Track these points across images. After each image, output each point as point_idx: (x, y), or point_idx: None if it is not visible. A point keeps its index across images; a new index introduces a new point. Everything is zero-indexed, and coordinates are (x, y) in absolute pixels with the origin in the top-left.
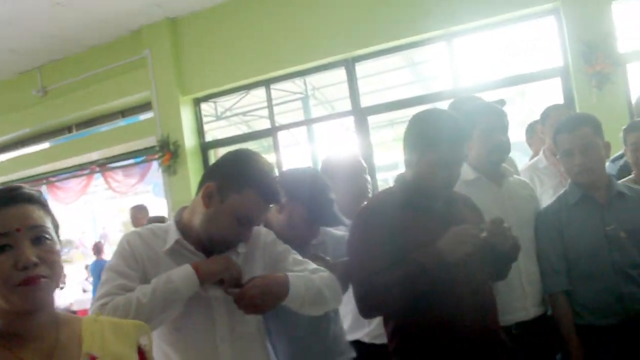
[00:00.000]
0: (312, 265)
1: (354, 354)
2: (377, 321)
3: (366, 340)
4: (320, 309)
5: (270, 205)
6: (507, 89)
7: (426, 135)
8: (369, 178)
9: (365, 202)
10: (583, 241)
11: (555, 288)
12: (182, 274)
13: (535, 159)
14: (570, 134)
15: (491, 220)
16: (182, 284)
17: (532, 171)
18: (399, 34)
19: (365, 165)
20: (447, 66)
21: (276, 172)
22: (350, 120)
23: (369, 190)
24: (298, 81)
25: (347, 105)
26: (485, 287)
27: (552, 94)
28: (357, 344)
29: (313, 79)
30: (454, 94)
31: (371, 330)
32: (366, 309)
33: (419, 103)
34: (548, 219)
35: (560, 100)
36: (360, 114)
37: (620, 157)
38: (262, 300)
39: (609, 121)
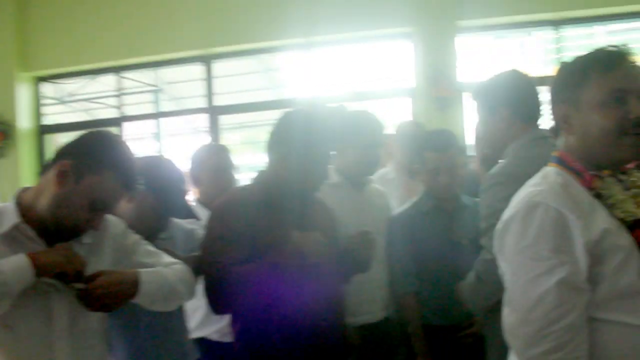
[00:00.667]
0: (166, 258)
1: (197, 355)
2: (228, 318)
3: (215, 337)
4: (173, 305)
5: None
6: (360, 103)
7: (287, 135)
8: (234, 174)
9: (223, 197)
10: (431, 246)
11: (406, 289)
12: (15, 264)
13: (384, 170)
14: (440, 153)
15: (360, 231)
16: (13, 276)
17: (381, 182)
18: (258, 37)
19: (232, 161)
20: (303, 75)
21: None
22: (203, 118)
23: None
24: (150, 73)
25: (200, 103)
26: (335, 290)
27: (402, 112)
28: (204, 341)
29: (167, 73)
30: (307, 103)
31: (222, 327)
32: (218, 304)
33: (272, 107)
34: (402, 224)
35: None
36: (214, 113)
37: None
38: (109, 299)
39: None
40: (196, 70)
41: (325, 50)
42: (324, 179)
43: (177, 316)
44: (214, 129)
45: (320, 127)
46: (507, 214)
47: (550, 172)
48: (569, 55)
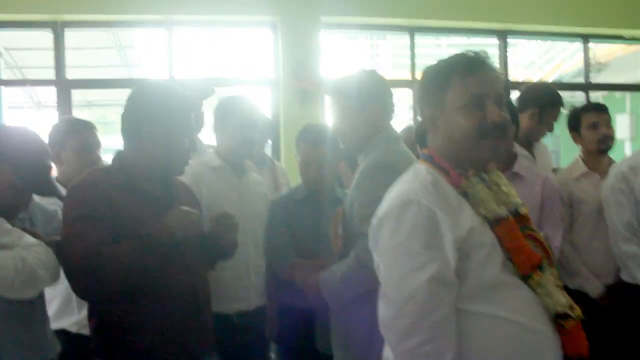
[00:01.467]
0: (27, 238)
1: (58, 347)
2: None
3: (74, 330)
4: (33, 290)
5: None
6: (219, 89)
7: (143, 110)
8: (101, 155)
9: (79, 178)
10: (303, 234)
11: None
12: None
13: None
14: (311, 146)
15: (220, 213)
16: None
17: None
18: (113, 9)
19: (99, 139)
20: (160, 55)
21: None
22: (50, 91)
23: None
24: None
25: (47, 75)
26: (200, 274)
27: (260, 102)
28: (62, 333)
29: (8, 37)
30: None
31: (81, 319)
32: (87, 289)
33: (126, 86)
34: (279, 208)
35: (266, 109)
36: (64, 86)
37: None
38: None
39: None
40: (44, 37)
41: (185, 31)
42: (186, 159)
43: (37, 304)
44: (65, 104)
45: (179, 101)
46: (381, 210)
47: (421, 170)
48: (421, 62)
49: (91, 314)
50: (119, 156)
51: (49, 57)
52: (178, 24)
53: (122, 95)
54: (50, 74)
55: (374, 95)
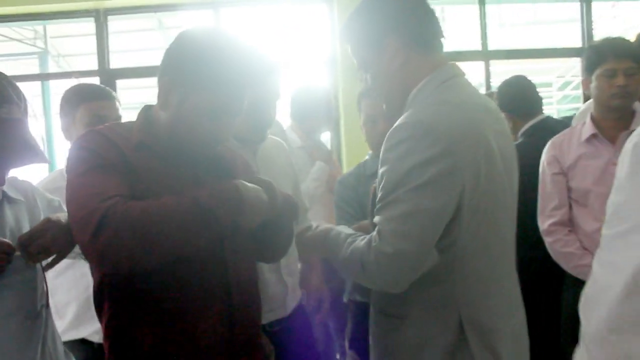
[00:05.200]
0: None
1: None
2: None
3: (96, 339)
4: None
5: None
6: None
7: (185, 58)
8: None
9: (88, 130)
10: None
11: None
12: None
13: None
14: (375, 99)
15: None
16: None
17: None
18: None
19: (118, 113)
20: None
21: None
22: (95, 81)
23: None
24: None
25: (91, 65)
26: (242, 273)
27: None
28: (84, 344)
29: (53, 29)
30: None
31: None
32: (110, 251)
33: None
34: (347, 186)
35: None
36: (109, 76)
37: None
38: None
39: None
40: (87, 25)
41: (233, 11)
42: (230, 130)
43: (42, 317)
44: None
45: (239, 53)
46: None
47: None
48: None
49: (100, 310)
50: (146, 114)
51: (93, 45)
52: (225, 4)
53: None
54: (94, 61)
55: (391, 24)
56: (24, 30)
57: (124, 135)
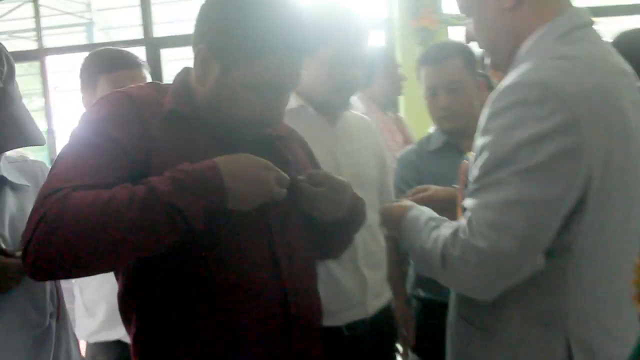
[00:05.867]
0: None
1: None
2: None
3: (130, 340)
4: None
5: None
6: None
7: (249, 32)
8: None
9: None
10: None
11: None
12: None
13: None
14: (436, 66)
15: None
16: None
17: None
18: None
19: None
20: None
21: None
22: (140, 51)
23: None
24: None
25: (135, 34)
26: (305, 269)
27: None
28: (119, 346)
29: (98, 1)
30: None
31: None
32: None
33: None
34: (407, 164)
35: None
36: (154, 45)
37: None
38: None
39: None
40: None
41: None
42: (283, 107)
43: (56, 325)
44: (155, 62)
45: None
46: None
47: None
48: None
49: (127, 312)
50: (184, 78)
51: (138, 17)
52: None
53: None
54: (139, 33)
55: None
56: (73, 3)
57: (156, 99)
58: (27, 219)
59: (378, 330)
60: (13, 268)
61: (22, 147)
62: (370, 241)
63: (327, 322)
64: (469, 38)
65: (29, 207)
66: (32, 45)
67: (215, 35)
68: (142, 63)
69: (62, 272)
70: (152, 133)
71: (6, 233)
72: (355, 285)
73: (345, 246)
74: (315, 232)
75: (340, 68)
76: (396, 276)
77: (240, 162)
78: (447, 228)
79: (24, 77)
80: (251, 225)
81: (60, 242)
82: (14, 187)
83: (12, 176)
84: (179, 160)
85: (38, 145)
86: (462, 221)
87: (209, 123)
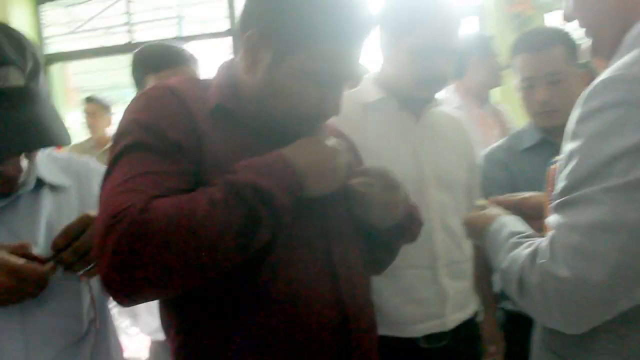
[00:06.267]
0: None
1: None
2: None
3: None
4: None
5: None
6: None
7: (306, 15)
8: None
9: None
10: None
11: None
12: None
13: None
14: (535, 55)
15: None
16: None
17: None
18: None
19: None
20: None
21: None
22: (227, 41)
23: None
24: None
25: (223, 25)
26: (362, 278)
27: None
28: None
29: None
30: None
31: None
32: (123, 276)
33: None
34: (496, 163)
35: None
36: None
37: None
38: None
39: None
40: None
41: None
42: (340, 99)
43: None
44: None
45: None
46: None
47: None
48: None
49: (168, 326)
50: (227, 72)
51: (225, 9)
52: None
53: None
54: (226, 25)
55: None
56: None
57: (200, 94)
58: (65, 220)
59: (460, 345)
60: (40, 274)
61: (47, 147)
62: (454, 249)
63: (403, 332)
64: (567, 16)
65: (68, 209)
66: (124, 39)
67: (267, 19)
68: (189, 57)
69: (151, 293)
70: (201, 129)
71: (41, 239)
72: (434, 296)
73: (391, 261)
74: (366, 243)
75: (425, 58)
76: (485, 289)
77: (308, 147)
78: (527, 248)
79: (117, 70)
80: (307, 232)
81: (149, 262)
82: (54, 188)
83: (52, 176)
84: (232, 158)
85: (63, 145)
86: (544, 241)
87: (258, 119)
